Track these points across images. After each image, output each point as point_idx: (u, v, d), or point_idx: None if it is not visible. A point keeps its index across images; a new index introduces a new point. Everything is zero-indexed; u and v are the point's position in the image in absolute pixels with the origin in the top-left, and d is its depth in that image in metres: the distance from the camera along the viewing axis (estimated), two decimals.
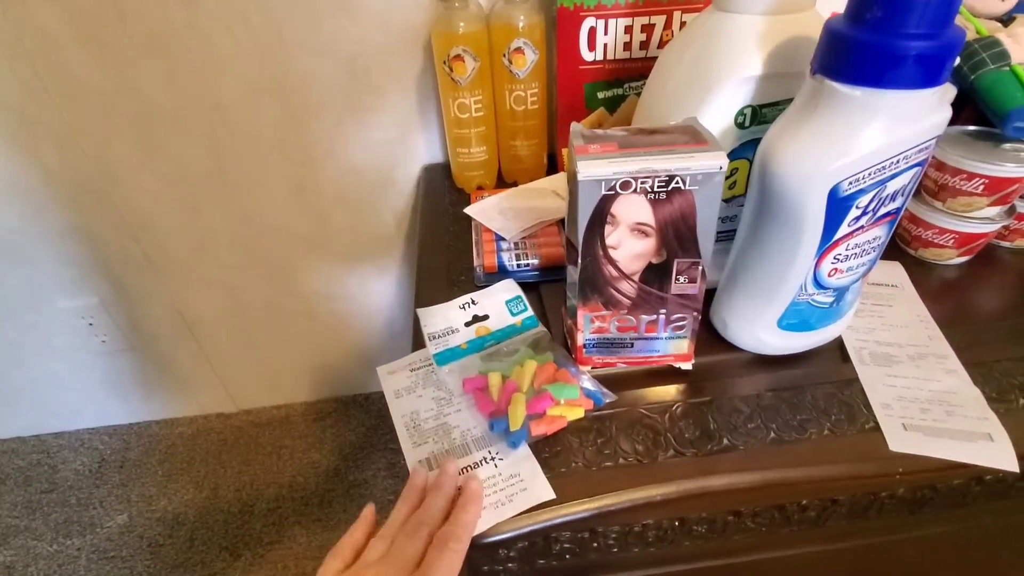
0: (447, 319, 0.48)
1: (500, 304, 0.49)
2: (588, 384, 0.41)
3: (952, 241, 0.50)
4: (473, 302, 0.49)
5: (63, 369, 0.99)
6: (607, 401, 0.41)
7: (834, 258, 0.37)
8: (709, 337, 0.45)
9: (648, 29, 0.57)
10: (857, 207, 0.34)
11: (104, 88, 0.68)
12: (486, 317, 0.48)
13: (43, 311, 0.90)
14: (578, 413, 0.39)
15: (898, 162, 0.33)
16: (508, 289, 0.50)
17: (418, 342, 0.48)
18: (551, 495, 0.36)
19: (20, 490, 1.01)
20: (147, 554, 0.90)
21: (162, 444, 1.06)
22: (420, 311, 0.48)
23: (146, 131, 0.72)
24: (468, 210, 0.61)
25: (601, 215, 0.35)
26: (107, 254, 0.84)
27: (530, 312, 0.48)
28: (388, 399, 0.43)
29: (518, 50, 0.58)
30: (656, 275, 0.38)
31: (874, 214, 0.35)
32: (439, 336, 0.46)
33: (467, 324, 0.47)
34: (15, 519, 0.97)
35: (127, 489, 0.99)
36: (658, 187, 0.34)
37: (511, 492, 0.36)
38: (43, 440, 1.08)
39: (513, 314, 0.48)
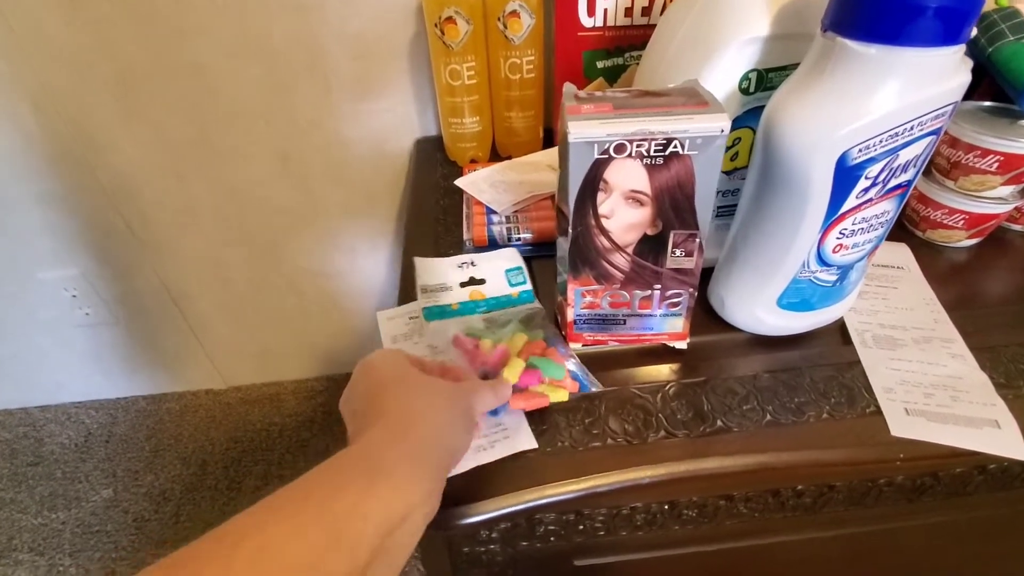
0: (442, 274, 0.47)
1: (499, 272, 0.47)
2: (575, 368, 0.39)
3: (962, 222, 0.48)
4: (472, 263, 0.47)
5: (47, 342, 0.97)
6: (593, 389, 0.39)
7: (840, 232, 0.35)
8: (705, 316, 0.43)
9: None
10: (867, 177, 0.32)
11: (80, 47, 0.65)
12: (483, 282, 0.46)
13: (24, 283, 0.87)
14: (562, 396, 0.37)
15: (912, 128, 0.31)
16: (510, 258, 0.48)
17: (406, 292, 0.47)
18: (533, 444, 0.35)
19: (5, 462, 1.00)
20: (132, 529, 0.89)
21: (150, 419, 1.04)
22: (417, 260, 0.47)
23: (125, 94, 0.69)
24: (459, 182, 0.59)
25: (593, 181, 0.33)
26: (88, 224, 0.81)
27: (528, 286, 0.46)
28: (384, 343, 0.43)
29: (514, 13, 0.55)
30: (651, 247, 0.36)
31: (884, 186, 0.33)
32: (431, 290, 0.45)
33: (462, 284, 0.46)
34: (0, 491, 0.96)
35: (113, 464, 0.98)
36: (655, 151, 0.31)
37: (493, 439, 0.35)
38: (29, 413, 1.07)
39: (511, 284, 0.46)
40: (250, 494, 0.92)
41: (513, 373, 0.36)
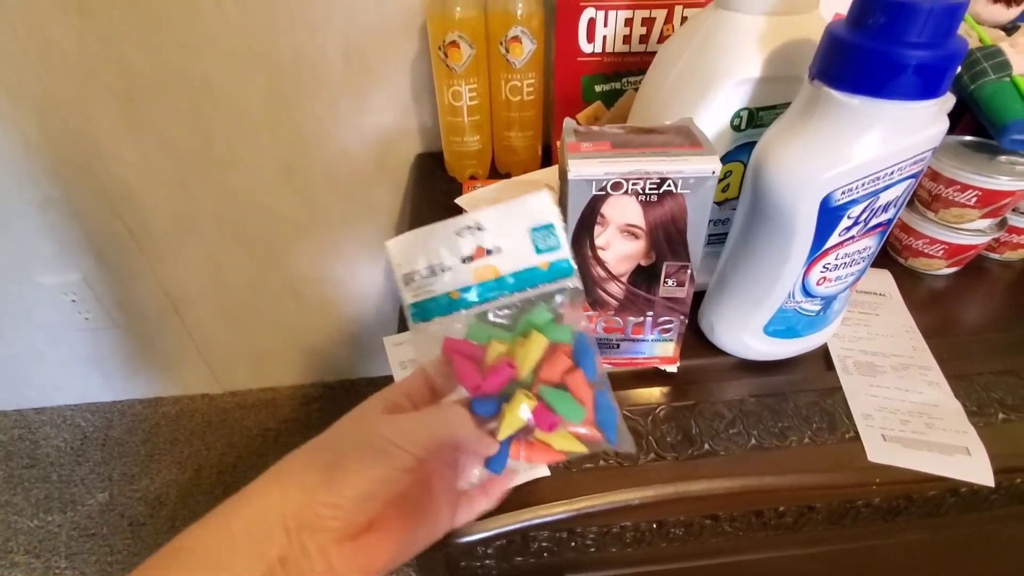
0: (434, 252, 0.30)
1: (521, 232, 0.30)
2: (605, 406, 0.29)
3: (942, 252, 0.50)
4: (479, 227, 0.30)
5: (44, 345, 0.97)
6: (621, 448, 0.29)
7: (823, 267, 0.37)
8: (695, 340, 0.45)
9: (648, 23, 0.56)
10: (849, 217, 0.34)
11: (87, 57, 0.66)
12: (496, 251, 0.30)
13: (24, 286, 0.88)
14: (578, 448, 0.28)
15: (892, 173, 0.32)
16: (536, 210, 0.30)
17: (404, 320, 0.46)
18: (546, 472, 0.35)
19: (1, 465, 1.00)
20: (128, 533, 0.90)
21: (145, 423, 1.05)
22: (390, 242, 0.30)
23: (130, 103, 0.70)
24: (459, 200, 0.60)
25: (591, 215, 0.34)
26: (90, 229, 0.82)
27: (565, 252, 0.30)
28: (393, 370, 0.41)
29: (515, 38, 0.56)
30: (644, 277, 0.37)
31: (865, 224, 0.35)
32: (421, 277, 0.30)
33: (465, 260, 0.30)
34: None
35: (109, 467, 0.99)
36: (650, 189, 0.33)
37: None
38: (24, 415, 1.07)
39: (539, 251, 0.30)
40: None
41: (512, 420, 0.27)
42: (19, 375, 1.03)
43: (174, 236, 0.84)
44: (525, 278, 0.30)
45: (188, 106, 0.71)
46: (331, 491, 0.24)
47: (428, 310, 0.30)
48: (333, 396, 1.07)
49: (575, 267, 0.30)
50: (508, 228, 0.30)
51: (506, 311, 0.30)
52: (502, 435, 0.27)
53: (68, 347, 0.98)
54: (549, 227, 0.30)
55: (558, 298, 0.30)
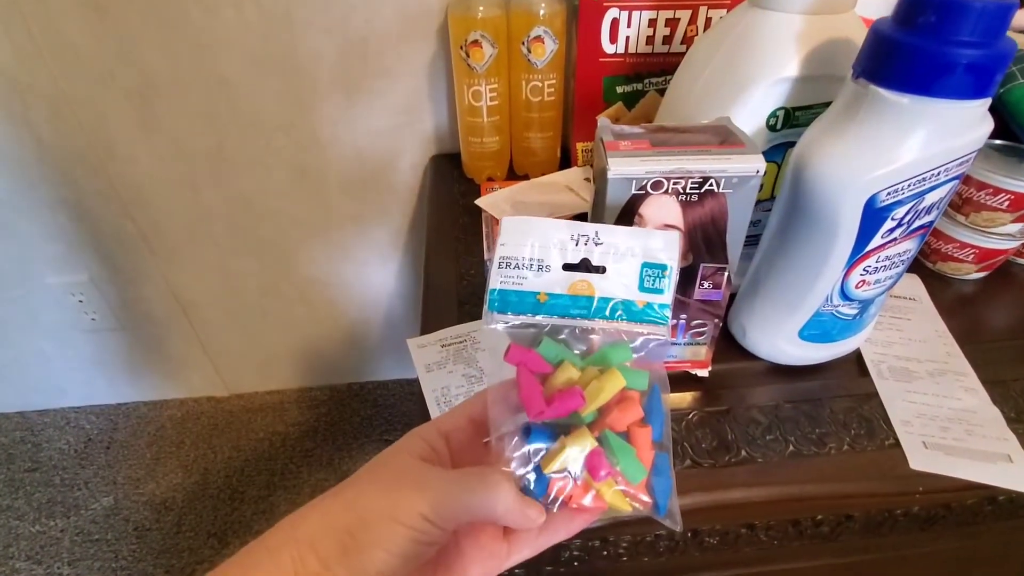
0: (544, 247, 0.28)
1: (632, 262, 0.28)
2: (664, 479, 0.26)
3: (972, 256, 0.49)
4: (597, 238, 0.28)
5: (50, 346, 0.96)
6: (668, 524, 0.26)
7: (863, 270, 0.36)
8: (726, 344, 0.44)
9: (672, 24, 0.55)
10: (893, 219, 0.33)
11: (102, 56, 0.65)
12: (601, 270, 0.28)
13: (32, 286, 0.87)
14: (623, 507, 0.26)
15: (939, 174, 0.32)
16: (659, 246, 0.28)
17: (430, 318, 0.45)
18: None
19: (2, 468, 0.99)
20: (133, 538, 0.89)
21: (151, 426, 1.04)
22: (507, 218, 0.29)
23: (144, 104, 0.69)
24: (479, 202, 0.60)
25: (628, 214, 0.34)
26: (100, 230, 0.81)
27: (667, 298, 0.28)
28: (419, 372, 0.41)
29: (538, 39, 0.56)
30: (680, 279, 0.36)
31: (908, 227, 0.34)
32: (518, 266, 0.28)
33: (567, 267, 0.28)
34: None
35: (113, 471, 0.97)
36: (691, 188, 0.32)
37: None
38: (27, 417, 1.06)
39: (643, 288, 0.28)
40: (252, 504, 0.92)
41: (567, 456, 0.24)
42: (23, 377, 1.01)
43: (184, 238, 0.83)
44: (618, 309, 0.28)
45: (203, 107, 0.70)
46: (350, 566, 0.22)
47: (509, 302, 0.27)
48: (341, 399, 1.06)
49: (669, 320, 0.28)
50: (623, 253, 0.29)
51: (583, 336, 0.27)
52: (550, 468, 0.24)
53: (73, 349, 0.97)
54: (663, 268, 0.28)
55: (640, 341, 0.27)
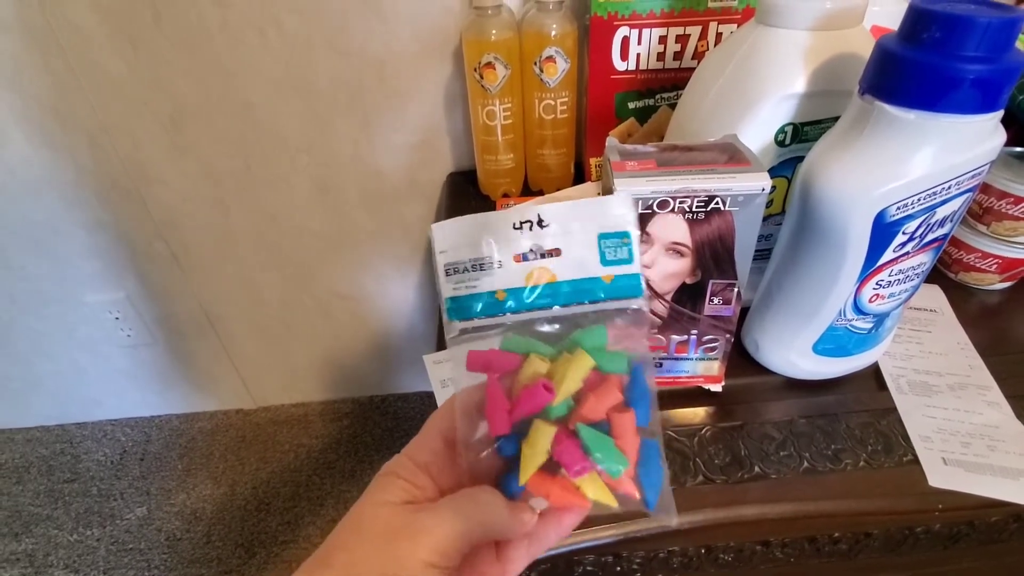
0: (485, 244, 0.25)
1: (588, 236, 0.25)
2: (653, 469, 0.24)
3: (995, 266, 0.48)
4: (540, 221, 0.25)
5: (87, 361, 1.00)
6: (661, 518, 0.24)
7: (876, 284, 0.36)
8: (739, 358, 0.44)
9: (683, 40, 0.56)
10: (904, 233, 0.33)
11: (136, 86, 0.69)
12: (555, 253, 0.26)
13: (70, 304, 0.91)
14: (609, 501, 0.24)
15: (949, 188, 0.32)
16: (613, 212, 0.25)
17: (444, 338, 0.46)
18: None
19: (43, 478, 1.03)
20: (164, 548, 0.91)
21: (182, 438, 1.07)
22: (435, 225, 0.26)
23: (176, 129, 0.72)
24: None
25: None
26: (135, 250, 0.85)
27: (636, 267, 0.25)
28: (434, 388, 0.41)
29: (549, 59, 0.57)
30: (689, 295, 0.37)
31: (921, 240, 0.34)
32: (466, 270, 0.25)
33: (518, 259, 0.25)
34: (38, 507, 0.99)
35: (147, 482, 1.01)
36: (697, 207, 0.33)
37: None
38: (66, 430, 1.10)
39: (605, 261, 0.25)
40: (278, 515, 0.94)
41: (531, 461, 0.23)
42: (62, 391, 1.06)
43: (213, 256, 0.86)
44: (584, 289, 0.25)
45: (230, 131, 0.73)
46: None
47: (467, 308, 0.25)
48: (363, 412, 1.08)
49: (646, 286, 0.25)
50: (574, 229, 0.26)
51: (556, 326, 0.25)
52: (523, 479, 0.23)
53: (109, 363, 1.01)
54: (623, 236, 0.25)
55: (619, 320, 0.25)
